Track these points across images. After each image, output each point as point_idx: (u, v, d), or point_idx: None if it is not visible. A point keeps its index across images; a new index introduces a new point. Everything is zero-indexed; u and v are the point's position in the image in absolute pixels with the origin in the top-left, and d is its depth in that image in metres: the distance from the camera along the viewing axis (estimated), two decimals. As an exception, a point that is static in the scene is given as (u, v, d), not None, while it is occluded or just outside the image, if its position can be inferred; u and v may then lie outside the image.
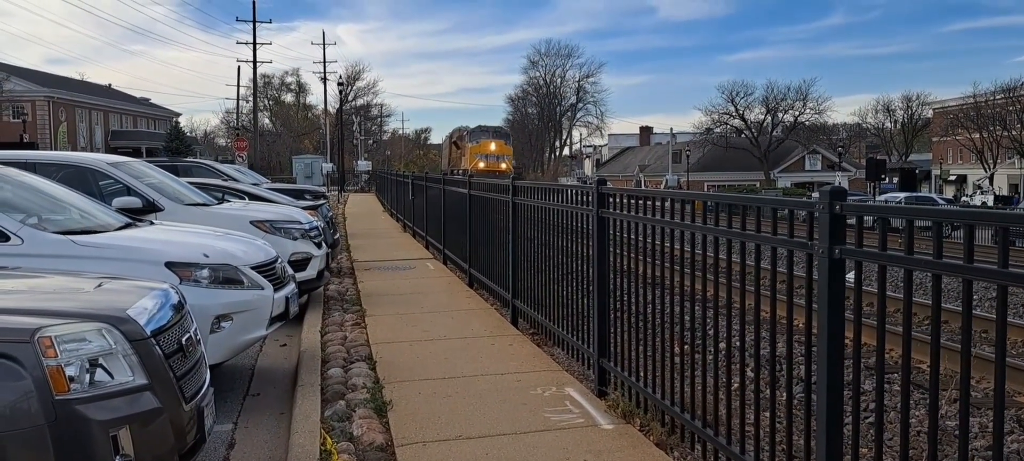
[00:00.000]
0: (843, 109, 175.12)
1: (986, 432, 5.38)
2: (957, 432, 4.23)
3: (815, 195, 3.54)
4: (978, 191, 51.58)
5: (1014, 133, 56.67)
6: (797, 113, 64.51)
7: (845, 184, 57.48)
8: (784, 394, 3.55)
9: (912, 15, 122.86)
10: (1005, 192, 58.48)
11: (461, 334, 7.58)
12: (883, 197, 38.16)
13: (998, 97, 58.66)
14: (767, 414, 3.69)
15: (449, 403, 5.39)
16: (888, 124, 79.32)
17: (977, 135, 59.17)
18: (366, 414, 5.12)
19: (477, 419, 5.06)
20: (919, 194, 46.36)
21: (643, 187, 30.88)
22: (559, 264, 6.55)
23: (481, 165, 44.41)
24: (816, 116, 65.27)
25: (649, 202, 4.83)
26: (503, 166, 44.94)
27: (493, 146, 47.59)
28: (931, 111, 74.48)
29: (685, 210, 4.35)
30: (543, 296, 7.05)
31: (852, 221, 3.16)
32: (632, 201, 5.09)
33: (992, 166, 58.34)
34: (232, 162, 33.05)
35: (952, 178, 64.57)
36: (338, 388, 5.73)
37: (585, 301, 5.95)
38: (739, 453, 3.86)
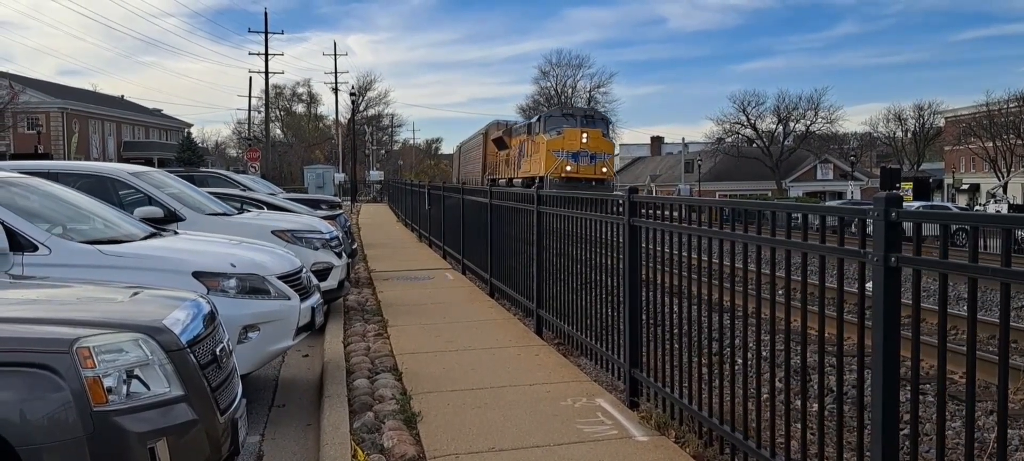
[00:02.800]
0: (854, 118, 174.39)
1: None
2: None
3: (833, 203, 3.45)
4: (992, 200, 51.16)
5: (1029, 141, 56.27)
6: (809, 122, 64.28)
7: (857, 193, 57.20)
8: (833, 407, 3.45)
9: (924, 24, 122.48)
10: (1019, 200, 58.05)
11: (486, 344, 7.50)
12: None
13: (1012, 105, 58.29)
14: (814, 427, 3.59)
15: (479, 414, 5.31)
16: (899, 133, 78.93)
17: (990, 144, 58.77)
18: (396, 425, 5.04)
19: (508, 430, 4.97)
20: (932, 203, 46.01)
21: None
22: (587, 274, 6.47)
23: (568, 168, 28.45)
24: (827, 125, 65.03)
25: (685, 210, 4.74)
26: (604, 170, 29.43)
27: (585, 138, 29.05)
28: (943, 120, 74.07)
29: (723, 218, 4.27)
30: (569, 306, 6.97)
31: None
32: (667, 210, 5.01)
33: (1006, 174, 57.92)
34: (244, 172, 33.13)
35: (965, 187, 64.12)
36: (365, 399, 5.66)
37: (615, 311, 5.86)
38: (783, 466, 3.76)
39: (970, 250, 2.71)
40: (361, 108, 76.63)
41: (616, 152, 41.97)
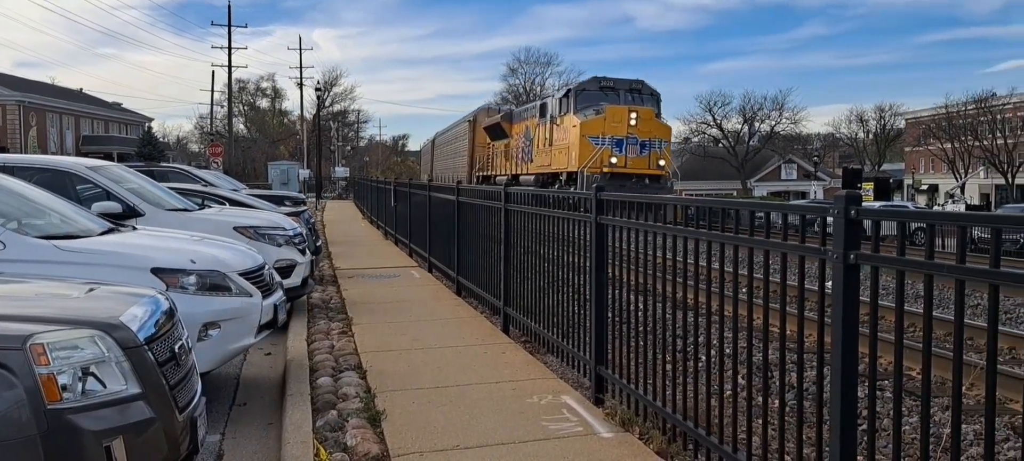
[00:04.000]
0: (818, 119, 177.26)
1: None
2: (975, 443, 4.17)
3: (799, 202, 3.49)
4: (950, 200, 52.33)
5: (985, 143, 57.67)
6: (773, 123, 65.21)
7: (820, 193, 58.17)
8: (794, 403, 3.49)
9: (887, 26, 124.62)
10: (976, 201, 59.49)
11: (452, 342, 7.47)
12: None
13: (969, 108, 59.69)
14: (774, 422, 3.64)
15: (444, 412, 5.29)
16: (861, 134, 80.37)
17: (949, 145, 60.13)
18: (360, 424, 5.00)
19: (474, 428, 4.96)
20: (893, 203, 46.96)
21: None
22: (554, 271, 6.48)
23: (613, 161, 22.16)
24: (792, 126, 66.04)
25: (651, 208, 4.77)
26: (661, 163, 22.98)
27: (633, 119, 22.54)
28: (903, 121, 75.58)
29: (689, 215, 4.30)
30: (536, 304, 6.97)
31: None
32: (633, 207, 5.03)
33: (963, 176, 59.28)
34: (206, 168, 32.68)
35: (924, 187, 65.51)
36: (329, 398, 5.61)
37: (581, 308, 5.88)
38: (745, 462, 3.79)
39: (927, 248, 2.75)
40: (327, 103, 76.04)
41: (674, 138, 29.74)
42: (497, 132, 32.11)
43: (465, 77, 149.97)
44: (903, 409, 3.66)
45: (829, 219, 3.20)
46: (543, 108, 27.24)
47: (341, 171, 66.37)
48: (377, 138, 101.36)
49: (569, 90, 25.28)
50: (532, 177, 26.89)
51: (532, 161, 27.53)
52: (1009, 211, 32.55)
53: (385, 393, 5.69)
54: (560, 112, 25.05)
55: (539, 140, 26.75)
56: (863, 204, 3.13)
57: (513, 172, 29.65)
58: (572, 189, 21.91)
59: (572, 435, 4.84)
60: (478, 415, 5.22)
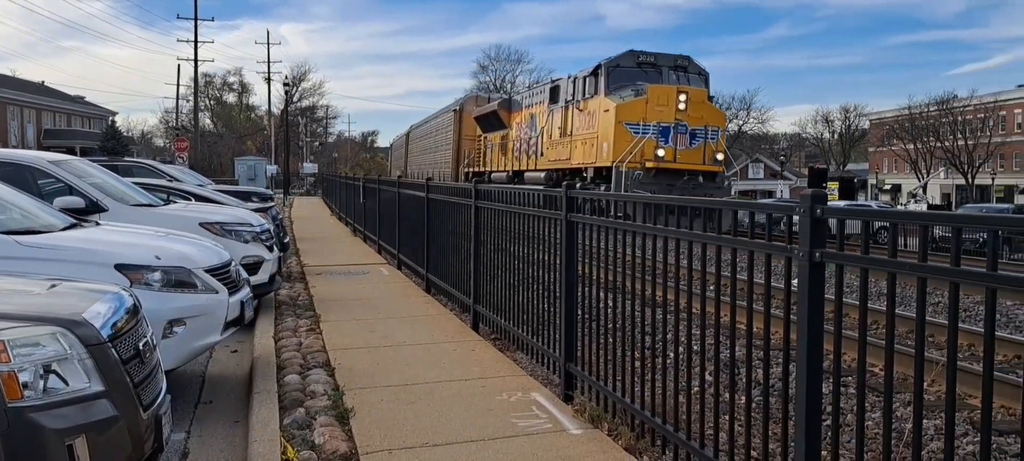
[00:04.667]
0: (785, 119, 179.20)
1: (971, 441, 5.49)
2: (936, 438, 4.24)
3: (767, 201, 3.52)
4: (912, 199, 53.32)
5: (946, 144, 58.85)
6: (741, 122, 65.92)
7: (787, 192, 58.94)
8: (761, 399, 3.54)
9: (854, 28, 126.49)
10: (937, 200, 60.70)
11: (421, 340, 7.45)
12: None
13: (932, 109, 60.87)
14: (741, 418, 3.68)
15: (413, 410, 5.27)
16: (827, 134, 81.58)
17: (911, 146, 61.27)
18: (328, 422, 4.97)
19: (443, 426, 4.95)
20: (858, 203, 47.72)
21: None
22: (524, 268, 6.49)
23: (660, 153, 18.88)
24: (759, 125, 66.87)
25: (621, 207, 4.79)
26: (719, 156, 19.84)
27: (682, 101, 19.24)
28: (868, 122, 76.85)
29: (658, 214, 4.33)
30: (506, 301, 6.98)
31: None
32: (603, 205, 5.05)
33: (925, 176, 60.45)
34: (171, 162, 32.23)
35: (887, 187, 66.71)
36: (296, 395, 5.56)
37: (551, 306, 5.89)
38: (712, 457, 3.84)
39: (890, 247, 2.80)
40: (295, 99, 75.37)
41: (727, 126, 23.60)
42: (492, 122, 27.76)
43: (436, 73, 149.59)
44: (866, 405, 3.72)
45: (795, 218, 3.25)
46: (555, 91, 22.99)
47: (309, 167, 65.79)
48: (346, 134, 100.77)
49: (598, 67, 20.35)
50: (541, 174, 22.56)
51: (541, 155, 23.43)
52: (969, 211, 33.29)
53: (353, 391, 5.65)
54: (584, 94, 20.79)
55: (551, 130, 22.66)
56: (829, 203, 3.17)
57: (514, 168, 25.64)
58: (602, 189, 18.91)
59: (541, 432, 4.86)
60: (447, 412, 5.21)
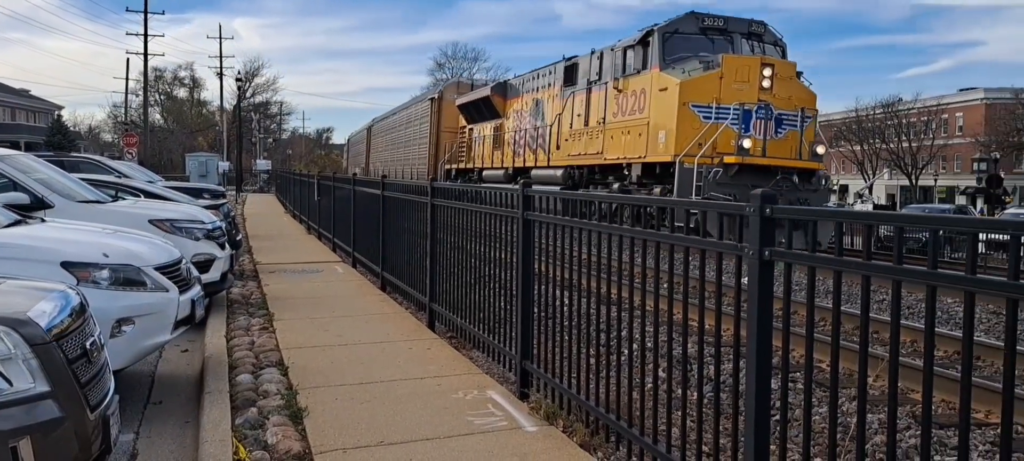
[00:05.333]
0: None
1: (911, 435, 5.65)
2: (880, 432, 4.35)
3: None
4: (859, 200, 54.58)
5: (891, 146, 60.42)
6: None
7: (739, 192, 59.74)
8: (712, 395, 3.60)
9: (805, 31, 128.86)
10: (883, 201, 62.28)
11: (376, 338, 7.41)
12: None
13: (878, 112, 62.42)
14: (693, 413, 3.74)
15: (368, 409, 5.24)
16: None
17: (858, 147, 62.74)
18: (281, 421, 4.92)
19: (398, 424, 4.94)
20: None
21: None
22: (481, 267, 6.50)
23: (746, 145, 15.00)
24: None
25: (577, 206, 4.83)
26: (820, 150, 16.26)
27: (767, 76, 15.31)
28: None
29: (614, 213, 4.38)
30: (463, 300, 6.98)
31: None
32: (559, 204, 5.09)
33: (872, 177, 61.97)
34: (120, 158, 31.49)
35: (835, 188, 68.11)
36: (248, 395, 5.49)
37: (508, 304, 5.92)
38: (665, 452, 3.90)
39: (837, 245, 2.88)
40: (248, 94, 74.20)
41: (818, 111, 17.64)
42: (480, 111, 24.24)
43: (392, 70, 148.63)
44: (814, 399, 3.81)
45: (746, 218, 3.31)
46: (571, 71, 19.49)
47: (263, 164, 64.81)
48: (301, 131, 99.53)
49: (649, 33, 16.20)
50: (558, 171, 19.14)
51: (557, 148, 19.64)
52: (912, 211, 34.25)
53: (307, 390, 5.60)
54: (623, 70, 16.80)
55: (568, 118, 19.09)
56: (778, 204, 3.24)
57: (514, 164, 22.04)
58: (656, 192, 15.74)
59: (497, 430, 4.87)
60: (403, 411, 5.20)
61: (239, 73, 58.43)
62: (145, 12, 50.62)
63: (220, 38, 66.58)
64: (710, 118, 15.19)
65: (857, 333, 7.80)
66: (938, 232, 2.54)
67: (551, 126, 20.54)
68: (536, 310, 5.46)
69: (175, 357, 7.20)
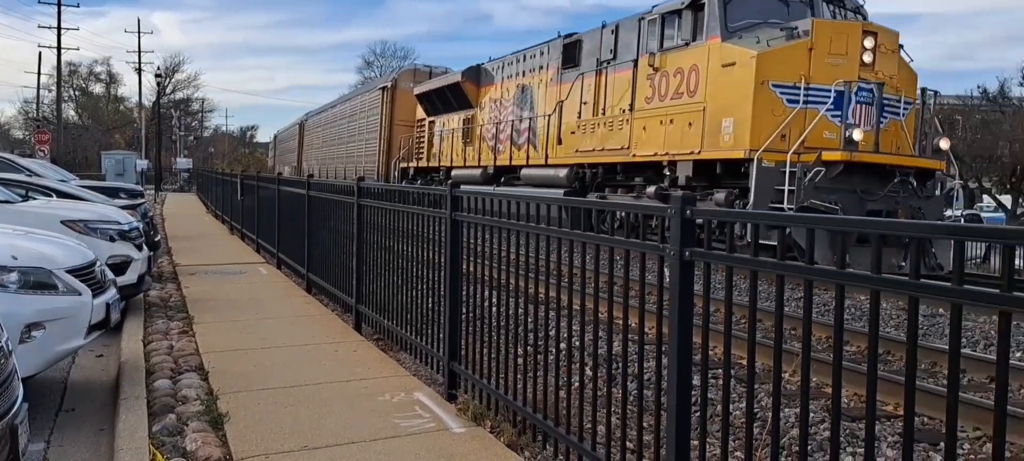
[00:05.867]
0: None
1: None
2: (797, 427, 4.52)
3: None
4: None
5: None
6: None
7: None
8: (635, 391, 3.67)
9: None
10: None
11: (301, 341, 7.29)
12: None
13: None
14: (618, 411, 3.81)
15: (292, 413, 5.16)
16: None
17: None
18: (200, 427, 4.80)
19: (323, 428, 4.87)
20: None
21: None
22: (408, 267, 6.46)
23: (857, 136, 11.44)
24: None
25: (505, 206, 4.86)
26: (943, 144, 13.05)
27: (868, 49, 11.78)
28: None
29: (540, 214, 4.42)
30: (390, 300, 6.93)
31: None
32: (487, 204, 5.11)
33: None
34: (31, 156, 30.12)
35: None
36: (167, 401, 5.34)
37: (436, 304, 5.90)
38: (590, 450, 3.96)
39: (753, 246, 2.98)
40: (168, 91, 71.93)
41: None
42: (446, 100, 21.20)
43: (320, 68, 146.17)
44: (735, 395, 3.93)
45: (668, 219, 3.40)
46: (573, 50, 16.47)
47: (183, 162, 62.88)
48: (223, 128, 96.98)
49: None
50: (561, 171, 16.30)
51: (558, 142, 16.63)
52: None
53: (229, 395, 5.48)
54: (662, 43, 13.73)
55: (574, 106, 16.13)
56: (698, 206, 3.33)
57: (495, 162, 19.23)
58: (717, 200, 12.45)
59: (424, 432, 4.86)
60: (328, 415, 5.13)
61: (159, 69, 56.51)
62: (58, 4, 48.57)
63: (139, 32, 64.40)
64: (797, 102, 11.80)
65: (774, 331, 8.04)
66: (844, 234, 2.66)
67: (549, 116, 17.19)
68: (464, 311, 5.46)
69: (89, 363, 6.94)
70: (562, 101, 16.84)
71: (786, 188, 11.42)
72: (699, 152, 13.03)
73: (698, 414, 3.92)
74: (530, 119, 18.33)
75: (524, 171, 18.17)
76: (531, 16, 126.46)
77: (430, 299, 6.02)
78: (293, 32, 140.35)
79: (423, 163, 23.61)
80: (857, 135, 11.66)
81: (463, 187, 5.33)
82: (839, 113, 11.93)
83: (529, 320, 4.63)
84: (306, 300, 9.60)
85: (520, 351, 4.68)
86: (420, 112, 23.91)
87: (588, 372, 4.09)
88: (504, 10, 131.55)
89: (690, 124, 13.20)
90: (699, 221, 3.26)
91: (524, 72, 18.95)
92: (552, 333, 4.46)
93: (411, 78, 25.14)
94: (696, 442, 3.62)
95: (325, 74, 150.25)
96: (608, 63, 15.65)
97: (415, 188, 6.53)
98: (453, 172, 21.01)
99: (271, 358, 6.59)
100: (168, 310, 8.72)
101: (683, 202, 3.28)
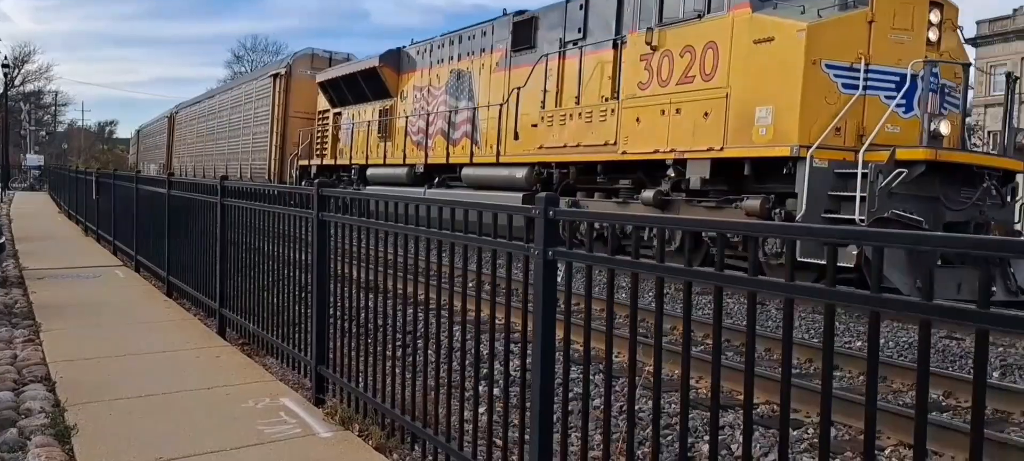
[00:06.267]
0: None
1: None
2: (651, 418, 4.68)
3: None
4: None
5: None
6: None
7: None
8: (502, 389, 3.72)
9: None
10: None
11: (160, 347, 6.94)
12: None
13: None
14: (485, 409, 3.85)
15: (148, 423, 4.91)
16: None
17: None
18: (45, 442, 4.49)
19: (182, 438, 4.66)
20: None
21: None
22: (275, 269, 6.28)
23: (941, 130, 9.44)
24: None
25: (374, 206, 4.81)
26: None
27: (935, 28, 9.97)
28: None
29: (410, 214, 4.40)
30: (256, 303, 6.70)
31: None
32: (355, 204, 5.04)
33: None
34: None
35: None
36: (8, 414, 4.96)
37: (303, 307, 5.77)
38: (458, 449, 3.98)
39: (611, 245, 3.08)
40: (17, 82, 66.84)
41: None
42: (358, 89, 19.02)
43: (186, 62, 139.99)
44: (603, 389, 4.05)
45: (533, 219, 3.46)
46: (526, 29, 14.59)
47: (34, 159, 58.60)
48: (79, 123, 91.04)
49: None
50: (519, 170, 14.28)
51: (515, 137, 14.42)
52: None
53: (78, 406, 5.15)
54: (662, 14, 11.76)
55: (535, 94, 13.98)
56: (561, 207, 3.41)
57: (427, 160, 17.01)
58: (748, 210, 10.37)
59: (289, 438, 4.73)
60: (187, 424, 4.91)
61: (6, 58, 52.39)
62: None
63: (-19, 17, 59.43)
64: (855, 87, 9.84)
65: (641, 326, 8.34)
66: (694, 234, 2.78)
67: (502, 106, 14.86)
68: (332, 313, 5.36)
69: (-84, 376, 6.35)
70: (520, 88, 14.53)
71: (858, 194, 9.17)
72: (721, 149, 10.69)
73: (571, 409, 4.03)
74: (470, 110, 16.01)
75: (466, 171, 15.91)
76: (410, 14, 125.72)
77: (298, 302, 5.87)
78: (157, 23, 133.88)
79: (328, 160, 21.18)
80: (944, 128, 9.65)
81: (378, 189, 5.16)
82: (904, 102, 9.99)
83: (397, 321, 4.60)
84: (167, 304, 9.15)
85: (388, 353, 4.64)
86: (323, 102, 21.61)
87: (457, 371, 4.10)
88: (382, 8, 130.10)
89: (706, 114, 10.89)
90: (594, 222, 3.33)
91: (459, 56, 16.59)
92: (420, 333, 4.45)
93: (309, 64, 22.75)
94: (575, 436, 3.70)
95: (192, 68, 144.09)
96: (577, 43, 13.52)
97: (282, 187, 6.35)
98: (369, 171, 19.12)
99: (126, 366, 6.24)
100: (12, 317, 8.11)
101: (547, 202, 3.35)
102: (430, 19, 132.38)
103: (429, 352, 4.37)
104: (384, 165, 18.66)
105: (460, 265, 3.95)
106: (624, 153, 12.37)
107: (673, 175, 11.74)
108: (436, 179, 17.34)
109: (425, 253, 4.30)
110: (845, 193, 9.52)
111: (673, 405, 5.61)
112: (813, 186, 9.58)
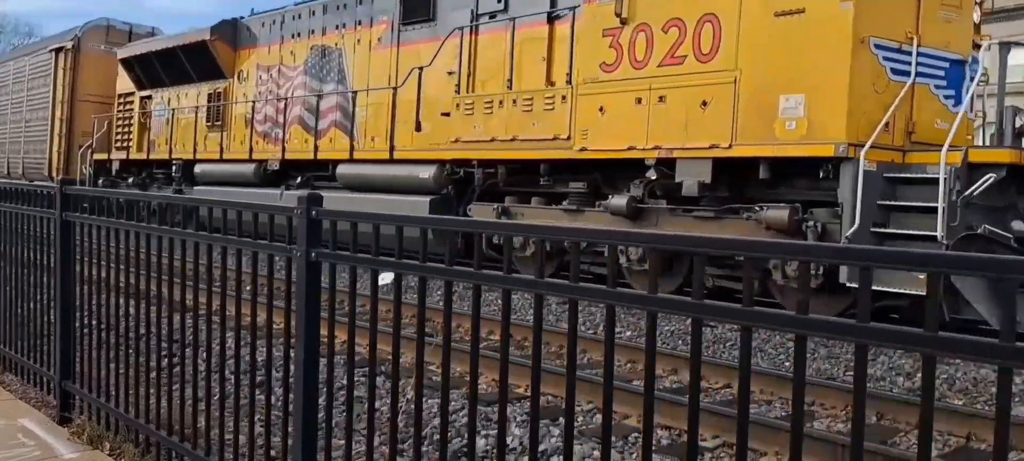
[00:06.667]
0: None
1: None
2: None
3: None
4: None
5: None
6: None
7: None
8: (274, 396, 3.59)
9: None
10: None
11: None
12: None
13: None
14: (260, 418, 3.69)
15: None
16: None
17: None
18: None
19: None
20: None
21: None
22: (14, 274, 5.64)
23: (1020, 123, 8.23)
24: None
25: (127, 206, 4.46)
26: None
27: (977, 7, 8.67)
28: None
29: (163, 214, 4.13)
30: (-10, 315, 5.97)
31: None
32: (105, 204, 4.64)
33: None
34: None
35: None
36: None
37: (47, 318, 5.22)
38: (218, 461, 3.78)
39: (374, 246, 3.06)
40: None
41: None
42: (178, 66, 16.34)
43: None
44: (377, 389, 4.00)
45: (295, 220, 3.36)
46: None
47: None
48: None
49: None
50: (426, 169, 11.89)
51: (417, 129, 11.86)
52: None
53: None
54: None
55: (439, 78, 11.71)
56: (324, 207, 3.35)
57: (284, 155, 14.42)
58: (767, 220, 8.54)
59: (26, 462, 4.27)
60: None
61: None
62: None
63: None
64: (906, 74, 8.29)
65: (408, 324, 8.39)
66: (510, 238, 2.84)
67: (394, 90, 12.36)
68: (79, 323, 4.90)
69: None
70: (422, 68, 11.81)
71: (941, 204, 7.53)
72: (728, 146, 8.67)
73: (344, 413, 3.94)
74: (342, 95, 13.34)
75: (344, 169, 13.19)
76: (191, 4, 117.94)
77: (47, 312, 5.31)
78: None
79: (136, 154, 17.83)
80: (1020, 123, 8.48)
81: (205, 189, 4.63)
82: (953, 92, 8.58)
83: (151, 328, 4.29)
84: None
85: (143, 363, 4.31)
86: (126, 83, 18.18)
87: (229, 380, 3.90)
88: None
89: (705, 103, 8.86)
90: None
91: (324, 29, 13.86)
92: (186, 342, 4.17)
93: (103, 37, 19.16)
94: (339, 440, 3.62)
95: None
96: (497, 15, 11.14)
97: (19, 183, 5.72)
98: (198, 168, 16.09)
99: None
100: None
101: (309, 202, 3.28)
102: (209, 5, 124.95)
103: (196, 361, 4.12)
104: (220, 161, 15.68)
105: (231, 267, 3.74)
106: (583, 150, 9.96)
107: (654, 177, 9.42)
108: (298, 179, 14.46)
109: (181, 256, 4.04)
110: (896, 202, 8.05)
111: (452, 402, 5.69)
112: (867, 195, 7.83)
